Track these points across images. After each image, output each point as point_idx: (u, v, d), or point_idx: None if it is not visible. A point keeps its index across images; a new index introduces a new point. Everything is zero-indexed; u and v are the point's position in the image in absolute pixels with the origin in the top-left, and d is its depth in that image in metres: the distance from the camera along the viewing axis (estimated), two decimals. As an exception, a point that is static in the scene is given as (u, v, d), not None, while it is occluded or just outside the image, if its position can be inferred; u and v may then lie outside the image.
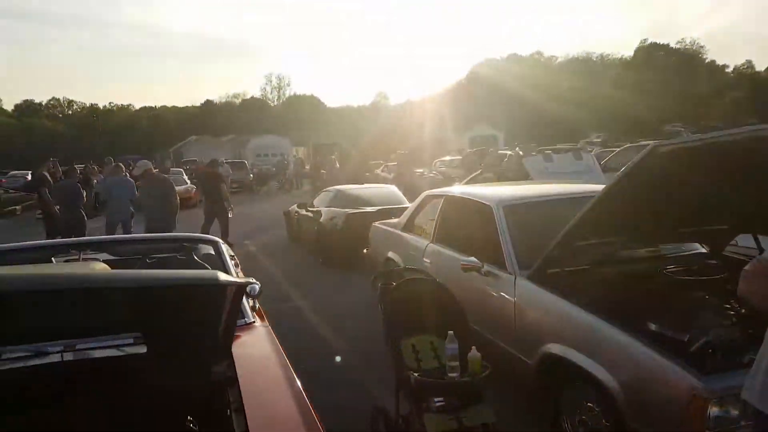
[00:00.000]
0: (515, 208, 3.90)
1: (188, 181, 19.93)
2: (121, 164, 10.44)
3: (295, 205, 10.90)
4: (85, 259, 3.11)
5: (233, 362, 2.21)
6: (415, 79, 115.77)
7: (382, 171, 21.09)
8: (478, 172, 11.25)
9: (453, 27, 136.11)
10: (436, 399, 2.75)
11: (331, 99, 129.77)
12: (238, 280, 1.67)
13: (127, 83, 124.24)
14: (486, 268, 3.63)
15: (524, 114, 51.83)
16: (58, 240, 3.53)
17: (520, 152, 16.76)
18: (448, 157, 24.67)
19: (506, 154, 17.79)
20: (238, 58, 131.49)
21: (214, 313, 1.90)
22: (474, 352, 2.75)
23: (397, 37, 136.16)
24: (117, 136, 67.08)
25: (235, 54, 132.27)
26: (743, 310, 2.89)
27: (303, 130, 60.75)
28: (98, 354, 2.23)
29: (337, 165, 20.80)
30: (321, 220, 9.03)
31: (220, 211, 9.80)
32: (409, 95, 66.61)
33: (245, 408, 1.86)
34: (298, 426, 1.76)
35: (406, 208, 8.39)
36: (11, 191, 20.97)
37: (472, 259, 3.69)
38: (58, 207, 8.94)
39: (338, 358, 4.50)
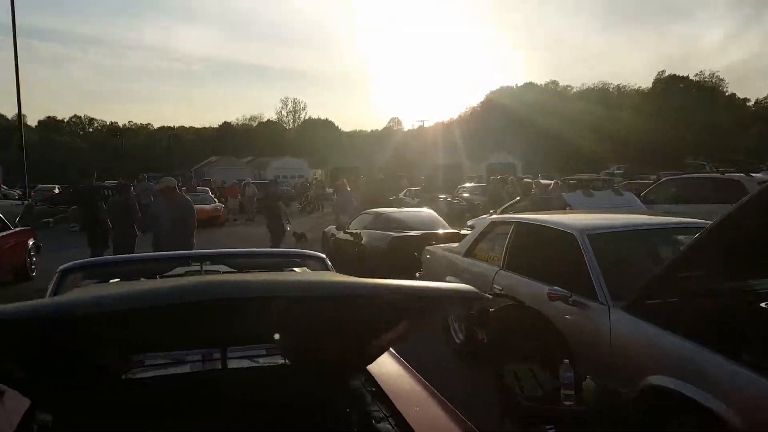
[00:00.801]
0: (600, 237, 3.91)
1: (216, 200, 20.19)
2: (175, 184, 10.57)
3: (332, 227, 10.98)
4: (207, 271, 3.14)
5: (371, 376, 2.24)
6: (428, 106, 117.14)
7: (404, 195, 21.13)
8: (517, 199, 11.27)
9: (467, 55, 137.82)
10: (548, 426, 2.75)
11: (345, 123, 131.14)
12: (487, 294, 1.71)
13: (146, 103, 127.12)
14: (574, 297, 3.63)
15: (541, 142, 52.00)
16: (178, 252, 3.59)
17: (543, 181, 16.84)
18: (468, 184, 24.78)
19: (531, 182, 17.85)
20: (254, 82, 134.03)
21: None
22: (589, 381, 2.75)
23: (411, 63, 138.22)
24: (136, 155, 68.00)
25: (251, 77, 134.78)
26: None
27: (318, 152, 61.43)
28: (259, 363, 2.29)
29: (348, 188, 20.88)
30: (363, 242, 9.07)
31: (276, 227, 10.19)
32: (422, 121, 67.10)
33: (409, 422, 1.88)
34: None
35: (451, 232, 8.53)
36: (39, 204, 21.23)
37: (558, 288, 3.69)
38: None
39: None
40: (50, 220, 18.55)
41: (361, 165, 40.00)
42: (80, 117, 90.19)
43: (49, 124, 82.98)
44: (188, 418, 2.04)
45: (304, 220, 20.90)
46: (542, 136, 52.51)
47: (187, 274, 3.14)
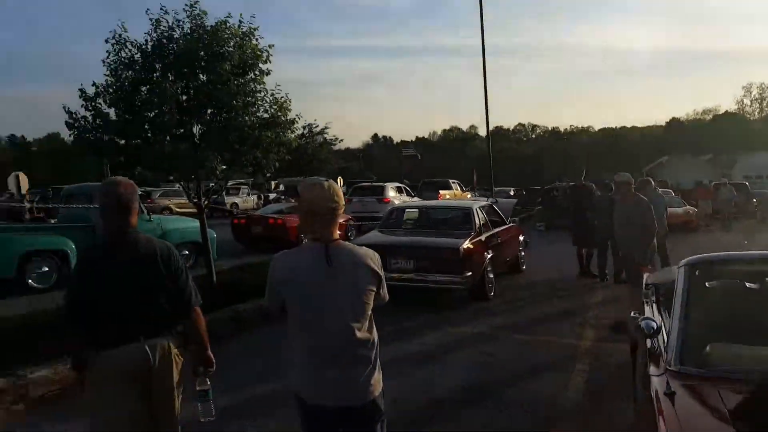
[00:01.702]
0: None
1: (685, 203, 17.78)
2: (650, 179, 9.24)
3: None
4: None
5: None
6: None
7: None
8: None
9: None
10: None
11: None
12: None
13: (587, 106, 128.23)
14: None
15: None
16: None
17: None
18: None
19: None
20: (706, 70, 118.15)
21: None
22: None
23: None
24: (578, 157, 68.74)
25: (703, 65, 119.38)
26: None
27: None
28: None
29: None
30: None
31: None
32: None
33: None
34: None
35: None
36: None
37: None
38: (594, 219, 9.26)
39: None
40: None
41: None
42: (524, 125, 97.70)
43: (498, 133, 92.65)
44: None
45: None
46: None
47: None
